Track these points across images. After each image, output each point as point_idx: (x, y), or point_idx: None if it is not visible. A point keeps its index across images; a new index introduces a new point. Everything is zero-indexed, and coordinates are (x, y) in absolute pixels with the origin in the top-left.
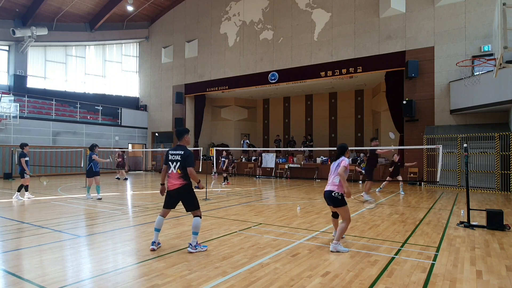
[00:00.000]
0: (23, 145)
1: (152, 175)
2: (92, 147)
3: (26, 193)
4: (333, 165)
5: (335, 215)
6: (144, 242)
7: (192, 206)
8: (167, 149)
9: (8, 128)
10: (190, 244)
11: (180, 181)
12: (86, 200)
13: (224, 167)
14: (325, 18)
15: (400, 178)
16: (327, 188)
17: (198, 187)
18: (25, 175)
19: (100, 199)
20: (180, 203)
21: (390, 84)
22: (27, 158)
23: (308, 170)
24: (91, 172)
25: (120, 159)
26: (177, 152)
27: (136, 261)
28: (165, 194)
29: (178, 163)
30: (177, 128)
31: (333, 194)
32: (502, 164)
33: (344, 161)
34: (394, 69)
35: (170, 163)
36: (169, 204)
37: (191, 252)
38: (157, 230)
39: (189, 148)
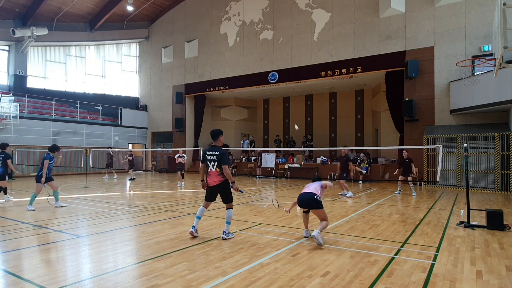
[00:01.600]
0: (5, 145)
1: (152, 175)
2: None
3: (6, 195)
4: (313, 184)
5: (307, 211)
6: (144, 242)
7: (228, 199)
8: (202, 149)
9: (8, 128)
10: (224, 231)
11: (219, 178)
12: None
13: None
14: (325, 18)
15: (410, 178)
16: (310, 192)
17: (232, 187)
18: (6, 177)
19: (56, 205)
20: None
21: (390, 84)
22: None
23: (308, 170)
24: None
25: (130, 158)
26: (213, 152)
27: (136, 261)
28: (206, 188)
29: (216, 163)
30: (212, 130)
31: (315, 197)
32: (502, 164)
33: (322, 183)
34: (394, 69)
35: (208, 162)
36: (210, 197)
37: (224, 239)
38: (198, 217)
39: (186, 149)
